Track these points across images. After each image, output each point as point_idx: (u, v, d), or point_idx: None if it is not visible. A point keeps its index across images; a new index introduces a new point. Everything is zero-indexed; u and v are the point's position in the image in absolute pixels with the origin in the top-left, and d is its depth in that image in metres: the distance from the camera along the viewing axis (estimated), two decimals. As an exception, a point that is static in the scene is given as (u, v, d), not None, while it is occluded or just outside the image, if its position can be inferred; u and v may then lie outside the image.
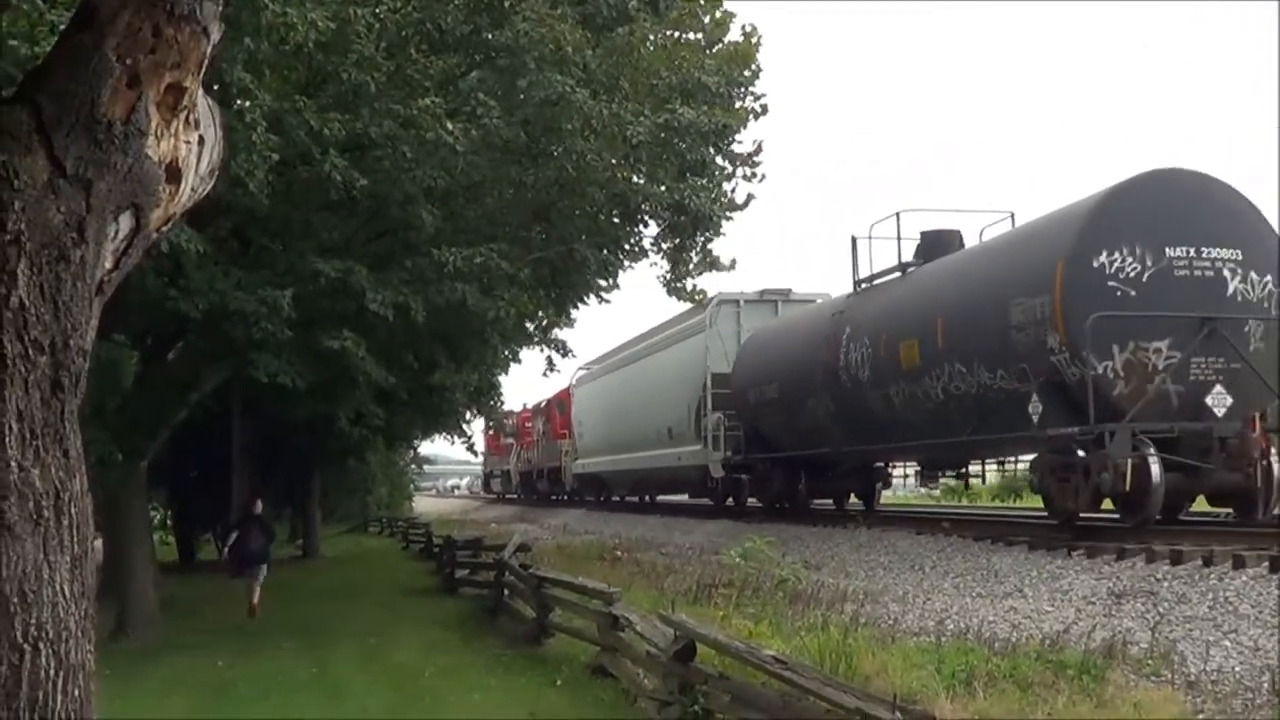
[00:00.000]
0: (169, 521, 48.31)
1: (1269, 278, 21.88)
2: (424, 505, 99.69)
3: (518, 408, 75.46)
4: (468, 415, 42.14)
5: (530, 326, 28.86)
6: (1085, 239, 21.59)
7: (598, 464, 58.37)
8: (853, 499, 35.69)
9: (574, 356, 31.50)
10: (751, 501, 38.92)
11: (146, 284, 18.52)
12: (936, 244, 28.69)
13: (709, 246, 27.16)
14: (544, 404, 72.72)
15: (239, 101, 17.31)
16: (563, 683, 16.05)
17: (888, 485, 36.92)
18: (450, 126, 18.69)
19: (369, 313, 19.99)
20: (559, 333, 30.89)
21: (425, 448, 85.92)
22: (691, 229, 24.63)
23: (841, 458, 32.24)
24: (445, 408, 36.82)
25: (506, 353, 32.28)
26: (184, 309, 19.25)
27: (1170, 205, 21.74)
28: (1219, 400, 21.24)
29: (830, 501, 35.96)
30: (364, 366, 20.98)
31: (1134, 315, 21.12)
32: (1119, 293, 21.33)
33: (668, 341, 47.51)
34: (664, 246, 26.39)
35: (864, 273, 30.89)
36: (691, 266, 27.57)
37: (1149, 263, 21.40)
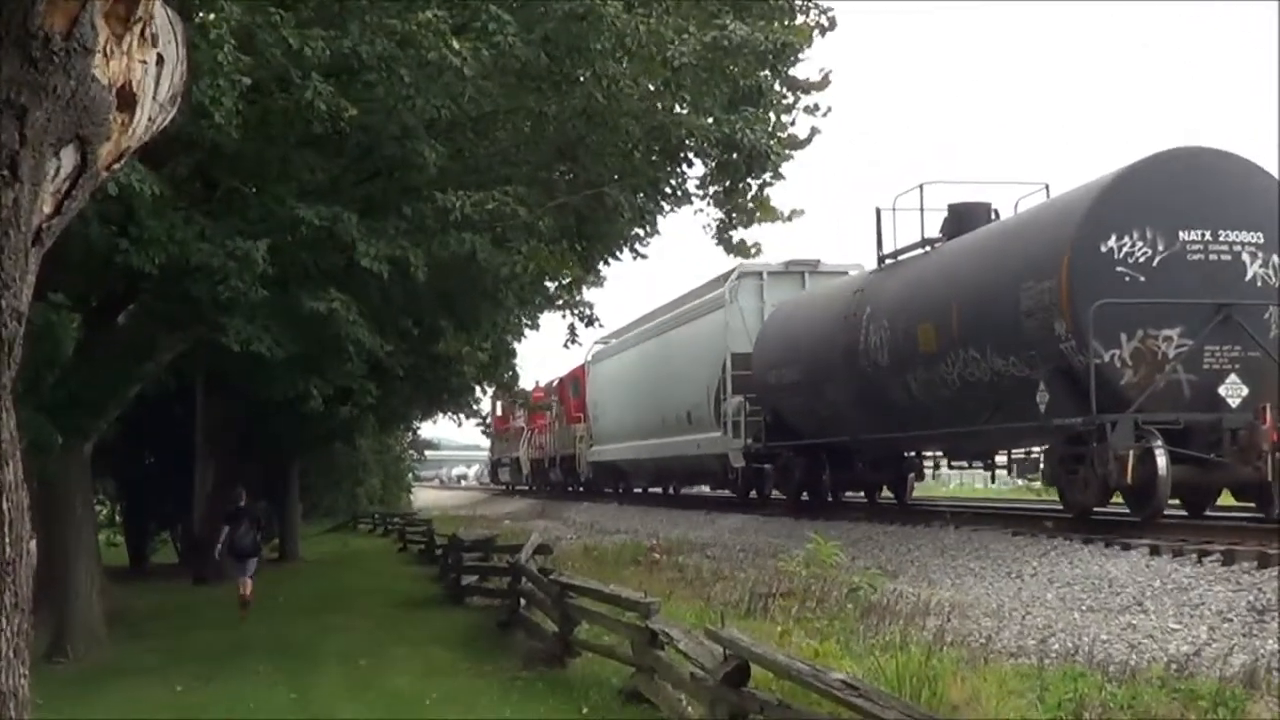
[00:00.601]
0: (118, 518, 48.52)
1: None
2: (425, 498, 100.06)
3: (530, 386, 75.87)
4: (478, 391, 42.21)
5: (551, 286, 28.82)
6: (1093, 222, 24.03)
7: (615, 451, 59.79)
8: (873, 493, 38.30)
9: (600, 325, 31.36)
10: (776, 495, 41.19)
11: (91, 233, 18.53)
12: (965, 218, 30.91)
13: (766, 191, 27.04)
14: (557, 382, 73.72)
15: (202, 14, 17.28)
16: (590, 710, 16.06)
17: (921, 477, 39.36)
18: (456, 45, 18.61)
19: (360, 269, 19.99)
20: (586, 294, 30.84)
21: (426, 430, 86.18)
22: (744, 169, 24.49)
23: (861, 446, 35.05)
24: (452, 382, 36.88)
25: (523, 317, 32.28)
26: (137, 263, 19.25)
27: (1186, 186, 24.00)
28: (1233, 390, 23.64)
29: (862, 496, 38.44)
30: (354, 333, 20.99)
31: (1140, 302, 23.56)
32: (1127, 278, 23.76)
33: (686, 317, 49.20)
34: (712, 190, 26.30)
35: (889, 248, 33.10)
36: (745, 215, 27.44)
37: (1160, 247, 23.83)
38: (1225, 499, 26.08)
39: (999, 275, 26.33)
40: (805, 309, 38.34)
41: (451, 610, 28.05)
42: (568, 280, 28.73)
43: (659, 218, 26.36)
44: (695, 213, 26.99)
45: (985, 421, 27.51)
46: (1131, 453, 22.54)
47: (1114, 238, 23.74)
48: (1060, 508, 27.17)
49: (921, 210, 31.68)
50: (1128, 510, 24.80)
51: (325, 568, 42.81)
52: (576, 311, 29.66)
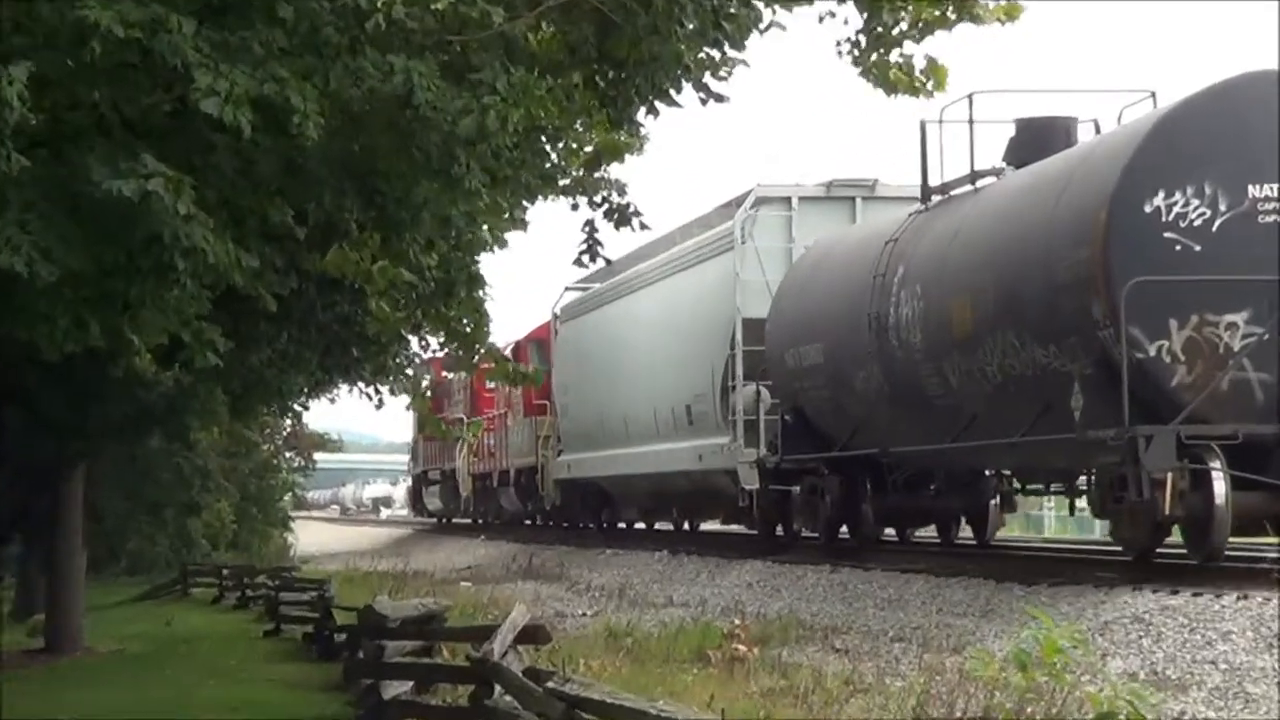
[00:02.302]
0: None
1: None
2: (314, 538, 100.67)
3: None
4: (414, 344, 42.19)
5: (553, 154, 28.52)
6: (1136, 175, 29.41)
7: (593, 464, 63.07)
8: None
9: (643, 226, 30.21)
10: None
11: None
12: (1037, 139, 36.83)
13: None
14: (513, 347, 74.65)
15: None
16: None
17: (1010, 506, 44.97)
18: None
19: (200, 119, 19.80)
20: (616, 169, 30.51)
21: (319, 416, 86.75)
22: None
23: (892, 460, 41.79)
24: (362, 325, 36.78)
25: (501, 208, 31.97)
26: None
27: (1258, 126, 29.13)
28: None
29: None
30: (188, 234, 20.68)
31: (1185, 280, 28.92)
32: (1178, 247, 29.32)
33: (684, 260, 52.93)
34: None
35: (937, 180, 39.95)
36: (908, 24, 27.27)
37: (1222, 206, 29.13)
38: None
39: (1034, 236, 32.21)
40: (836, 258, 42.65)
41: (365, 746, 28.06)
42: (583, 147, 28.53)
43: (751, 29, 25.98)
44: (820, 20, 26.74)
45: (1025, 432, 33.05)
46: (1172, 476, 27.63)
47: (1162, 195, 29.05)
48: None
49: (971, 128, 37.80)
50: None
51: (133, 665, 42.82)
52: (600, 199, 29.06)
